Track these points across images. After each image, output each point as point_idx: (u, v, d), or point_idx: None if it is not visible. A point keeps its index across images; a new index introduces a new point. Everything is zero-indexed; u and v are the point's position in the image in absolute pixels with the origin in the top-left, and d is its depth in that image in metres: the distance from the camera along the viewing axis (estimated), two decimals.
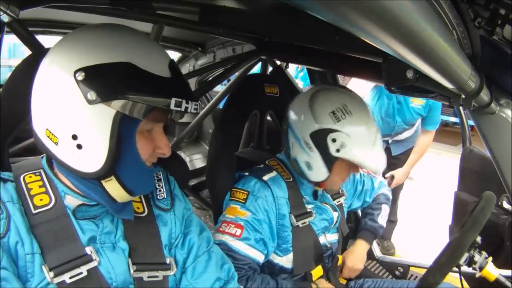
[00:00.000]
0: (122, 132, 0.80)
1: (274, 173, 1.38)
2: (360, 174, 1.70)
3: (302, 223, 1.37)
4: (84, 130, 0.79)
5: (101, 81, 0.76)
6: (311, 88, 1.42)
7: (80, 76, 0.76)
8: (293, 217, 1.35)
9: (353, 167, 1.33)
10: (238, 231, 1.27)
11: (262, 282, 1.27)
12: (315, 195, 1.47)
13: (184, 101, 0.81)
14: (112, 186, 0.85)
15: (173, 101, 0.80)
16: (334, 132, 1.24)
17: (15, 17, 1.09)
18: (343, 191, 1.60)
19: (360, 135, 1.26)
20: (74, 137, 0.79)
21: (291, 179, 1.40)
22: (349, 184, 1.66)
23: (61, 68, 0.78)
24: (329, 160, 1.28)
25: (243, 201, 1.31)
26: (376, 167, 1.27)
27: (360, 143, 1.25)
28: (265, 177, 1.36)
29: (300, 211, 1.37)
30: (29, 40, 1.23)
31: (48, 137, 0.82)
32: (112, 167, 0.81)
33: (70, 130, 0.79)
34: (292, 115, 1.36)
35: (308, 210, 1.40)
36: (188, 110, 0.83)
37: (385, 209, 1.71)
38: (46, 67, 0.81)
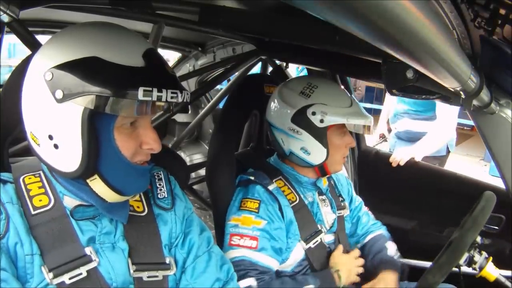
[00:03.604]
0: (99, 129, 0.79)
1: (276, 186, 1.37)
2: (359, 202, 1.67)
3: (314, 243, 1.35)
4: (58, 129, 0.79)
5: (66, 78, 0.76)
6: (275, 90, 1.46)
7: (49, 76, 0.76)
8: (303, 242, 1.33)
9: (344, 135, 1.36)
10: (254, 243, 1.25)
11: (282, 283, 1.26)
12: (318, 189, 1.45)
13: (155, 90, 0.76)
14: (98, 185, 0.84)
15: (140, 91, 0.75)
16: (310, 107, 1.30)
17: (15, 17, 1.10)
18: (344, 204, 1.56)
19: (334, 99, 1.33)
20: (50, 137, 0.79)
21: (297, 201, 1.37)
22: (346, 191, 1.63)
23: (35, 71, 0.79)
24: (320, 135, 1.31)
25: (256, 211, 1.29)
26: (362, 120, 1.31)
27: (338, 105, 1.32)
28: (270, 187, 1.35)
29: (309, 231, 1.35)
30: (29, 40, 1.23)
31: (32, 139, 0.83)
32: (91, 166, 0.80)
33: (46, 130, 0.79)
34: (269, 115, 1.42)
35: (318, 228, 1.38)
36: (163, 100, 0.77)
37: (391, 246, 1.54)
38: (28, 70, 0.82)
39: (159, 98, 0.77)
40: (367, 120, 1.32)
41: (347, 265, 1.37)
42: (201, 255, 1.03)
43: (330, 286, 1.29)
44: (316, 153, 1.33)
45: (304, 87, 1.34)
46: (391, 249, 1.53)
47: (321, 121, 1.29)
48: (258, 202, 1.30)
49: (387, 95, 3.11)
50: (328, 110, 1.29)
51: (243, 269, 1.22)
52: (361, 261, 1.43)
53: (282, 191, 1.36)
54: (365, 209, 1.68)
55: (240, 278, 1.19)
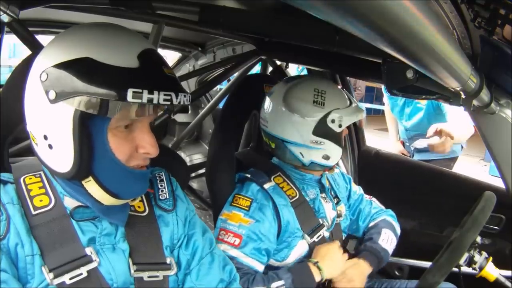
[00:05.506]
0: (92, 131, 0.79)
1: (274, 184, 1.36)
2: (359, 194, 1.66)
3: (318, 237, 1.35)
4: (51, 130, 0.79)
5: (59, 79, 0.76)
6: (273, 100, 1.39)
7: (44, 76, 0.77)
8: (307, 236, 1.33)
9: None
10: (237, 241, 1.25)
11: (264, 281, 1.23)
12: (322, 187, 1.46)
13: (145, 92, 0.73)
14: (93, 188, 0.83)
15: (129, 92, 0.72)
16: (328, 115, 1.32)
17: (15, 17, 1.10)
18: (340, 207, 1.52)
19: (341, 101, 1.38)
20: (45, 137, 0.80)
21: (297, 196, 1.36)
22: (344, 190, 1.63)
23: (34, 71, 0.80)
24: (338, 138, 1.36)
25: (247, 209, 1.29)
26: (364, 114, 1.39)
27: (346, 106, 1.37)
28: (266, 186, 1.34)
29: (311, 225, 1.35)
30: (29, 40, 1.23)
31: (32, 138, 0.84)
32: (84, 167, 0.79)
33: (42, 130, 0.80)
34: (282, 133, 1.35)
35: (320, 222, 1.37)
36: (155, 102, 0.74)
37: (386, 232, 1.53)
38: (30, 71, 0.83)
39: (150, 100, 0.74)
40: (363, 112, 1.40)
41: (329, 255, 1.30)
42: (205, 256, 1.03)
43: (307, 280, 1.23)
44: (335, 155, 1.36)
45: (314, 95, 1.32)
46: (386, 234, 1.51)
47: (340, 126, 1.33)
48: (250, 200, 1.31)
49: (386, 113, 3.12)
50: (342, 113, 1.33)
51: None
52: (345, 254, 1.37)
53: (281, 187, 1.36)
54: (367, 198, 1.67)
55: None
